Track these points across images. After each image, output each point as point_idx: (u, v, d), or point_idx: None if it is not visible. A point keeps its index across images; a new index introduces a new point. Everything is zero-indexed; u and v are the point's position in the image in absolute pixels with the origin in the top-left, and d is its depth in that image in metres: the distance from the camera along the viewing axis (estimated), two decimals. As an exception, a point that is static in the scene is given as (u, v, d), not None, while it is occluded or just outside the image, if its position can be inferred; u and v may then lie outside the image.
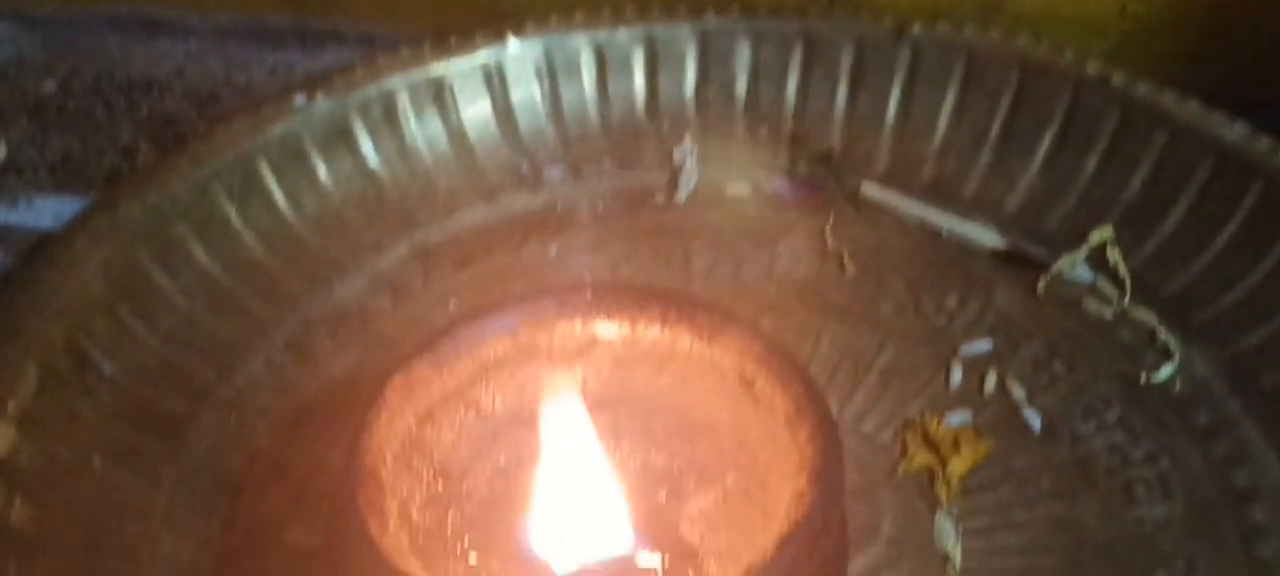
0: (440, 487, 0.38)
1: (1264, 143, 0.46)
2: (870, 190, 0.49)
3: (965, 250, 0.47)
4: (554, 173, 0.50)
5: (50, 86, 0.52)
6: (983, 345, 0.44)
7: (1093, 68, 0.48)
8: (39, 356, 0.41)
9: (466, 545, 0.37)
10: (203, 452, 0.41)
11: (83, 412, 0.41)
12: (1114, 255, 0.46)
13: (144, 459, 0.41)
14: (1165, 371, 0.43)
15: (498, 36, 0.50)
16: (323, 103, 0.48)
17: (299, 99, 0.48)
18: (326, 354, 0.44)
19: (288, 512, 0.40)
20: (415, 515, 0.37)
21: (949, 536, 0.39)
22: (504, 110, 0.50)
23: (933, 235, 0.48)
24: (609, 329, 0.39)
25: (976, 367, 0.44)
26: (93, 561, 0.38)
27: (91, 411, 0.41)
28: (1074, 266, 0.46)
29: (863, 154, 0.50)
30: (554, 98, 0.51)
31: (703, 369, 0.39)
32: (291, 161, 0.48)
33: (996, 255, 0.47)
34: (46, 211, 0.50)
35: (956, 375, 0.43)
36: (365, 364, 0.43)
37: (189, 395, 0.43)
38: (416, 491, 0.37)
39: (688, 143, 0.51)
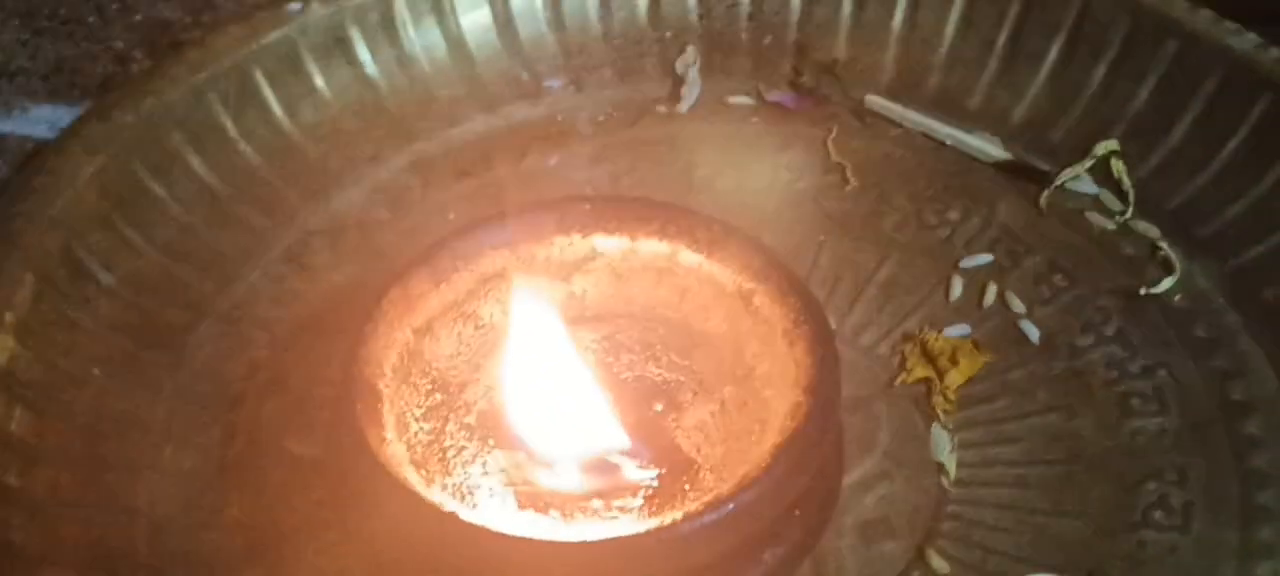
0: (438, 399, 0.38)
1: (1274, 53, 0.45)
2: (874, 101, 0.49)
3: (969, 162, 0.47)
4: (555, 82, 0.50)
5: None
6: (984, 258, 0.44)
7: (1102, -25, 0.48)
8: (36, 267, 0.41)
9: (464, 456, 0.37)
10: (202, 363, 0.41)
11: (81, 323, 0.41)
12: (1118, 167, 0.45)
13: (143, 370, 0.41)
14: (1165, 284, 0.43)
15: (497, -59, 0.50)
16: (319, 9, 0.48)
17: (294, 6, 0.47)
18: (325, 265, 0.44)
19: (287, 423, 0.40)
20: (413, 426, 0.37)
21: (944, 448, 0.39)
22: (504, 18, 0.50)
23: (937, 147, 0.48)
24: (608, 242, 0.39)
25: (977, 280, 0.43)
26: (93, 472, 0.38)
27: (90, 322, 0.41)
28: (1078, 178, 0.46)
29: (868, 64, 0.50)
30: (555, 5, 0.50)
31: (701, 282, 0.39)
32: (288, 70, 0.47)
33: (1000, 167, 0.47)
34: (41, 120, 0.49)
35: (957, 288, 0.43)
36: (364, 275, 0.43)
37: (187, 306, 0.43)
38: (414, 403, 0.38)
39: (690, 52, 0.50)
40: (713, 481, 0.36)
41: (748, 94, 0.49)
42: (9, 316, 0.39)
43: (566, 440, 0.37)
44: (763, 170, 0.47)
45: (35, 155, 0.46)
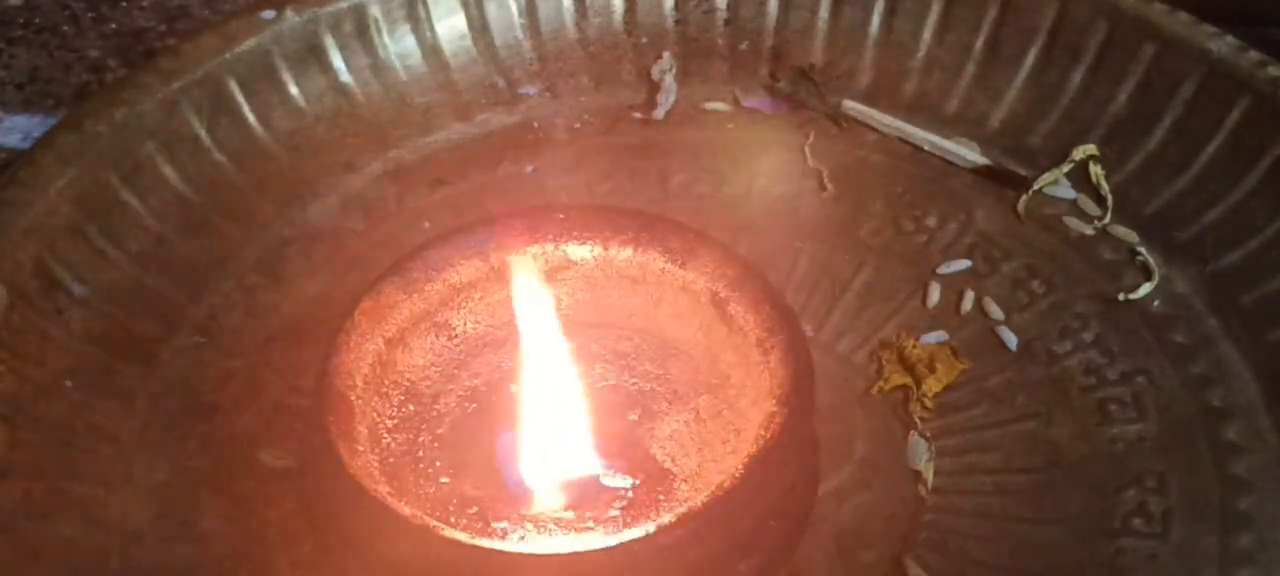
0: (411, 410, 0.38)
1: (1252, 56, 0.45)
2: (851, 107, 0.49)
3: (946, 168, 0.47)
4: (530, 89, 0.49)
5: (15, -1, 0.52)
6: (961, 264, 0.44)
7: (1080, -21, 0.48)
8: (8, 278, 0.40)
9: (437, 467, 0.37)
10: (175, 374, 0.41)
11: (53, 334, 0.41)
12: (1096, 172, 0.45)
13: (116, 381, 0.41)
14: (1144, 289, 0.43)
15: (472, -53, 0.50)
16: (293, 17, 0.47)
17: (268, 14, 0.47)
18: (299, 275, 0.44)
19: (260, 434, 0.39)
20: (386, 437, 0.37)
21: (921, 455, 0.39)
22: (479, 25, 0.50)
23: (914, 152, 0.47)
24: (581, 251, 0.39)
25: (954, 286, 0.43)
26: (66, 483, 0.38)
27: (62, 333, 0.41)
28: (1056, 183, 0.46)
29: (845, 70, 0.50)
30: (531, 12, 0.50)
31: (675, 291, 0.39)
32: (262, 78, 0.47)
33: (978, 172, 0.47)
34: (15, 130, 0.49)
35: (934, 294, 0.43)
36: (338, 285, 0.43)
37: (160, 317, 0.42)
38: (387, 414, 0.37)
39: (666, 58, 0.50)
40: (687, 492, 0.36)
41: (724, 100, 0.49)
42: (-21, 328, 0.39)
43: (540, 451, 0.36)
44: (739, 176, 0.47)
45: (8, 165, 0.46)
